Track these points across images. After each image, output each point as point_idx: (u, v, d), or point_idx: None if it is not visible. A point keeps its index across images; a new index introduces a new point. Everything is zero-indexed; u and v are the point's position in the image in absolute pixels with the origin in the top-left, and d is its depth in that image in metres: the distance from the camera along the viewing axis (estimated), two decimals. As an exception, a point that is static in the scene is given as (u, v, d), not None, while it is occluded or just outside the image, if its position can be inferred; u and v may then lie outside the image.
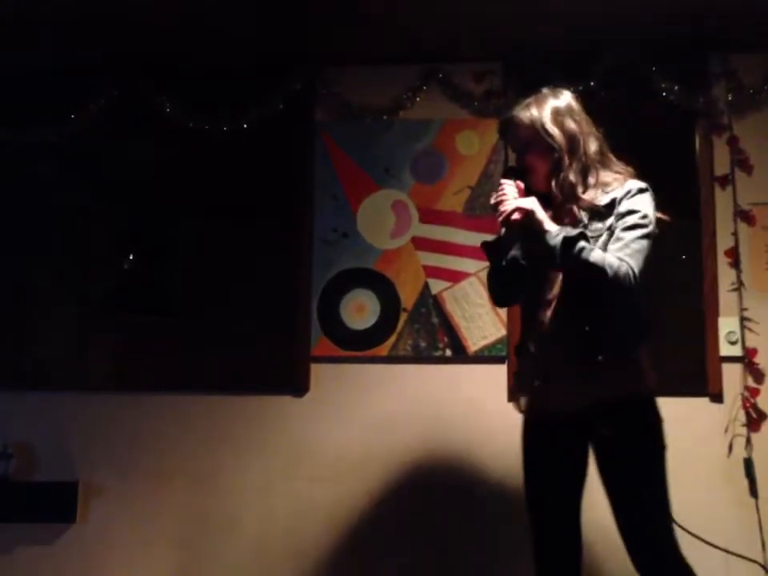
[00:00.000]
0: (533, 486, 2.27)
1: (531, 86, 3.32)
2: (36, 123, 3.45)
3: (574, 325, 2.12)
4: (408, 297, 3.29)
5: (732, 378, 3.09)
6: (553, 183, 2.19)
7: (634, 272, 2.04)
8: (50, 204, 3.61)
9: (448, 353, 3.24)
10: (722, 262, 3.17)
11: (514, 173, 2.24)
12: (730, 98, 3.24)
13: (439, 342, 3.25)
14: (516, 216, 2.12)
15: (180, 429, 3.31)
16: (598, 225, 2.14)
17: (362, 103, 3.42)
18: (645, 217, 2.10)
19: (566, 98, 2.26)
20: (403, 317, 3.28)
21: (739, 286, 3.13)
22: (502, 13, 3.03)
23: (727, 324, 3.12)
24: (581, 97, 2.31)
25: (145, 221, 3.65)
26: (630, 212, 2.11)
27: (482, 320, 3.23)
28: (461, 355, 3.23)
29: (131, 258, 3.66)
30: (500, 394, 3.18)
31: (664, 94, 3.20)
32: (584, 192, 2.17)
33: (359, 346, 3.28)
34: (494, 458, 3.14)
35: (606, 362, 2.08)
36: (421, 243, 3.32)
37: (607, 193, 2.16)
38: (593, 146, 2.21)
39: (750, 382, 3.07)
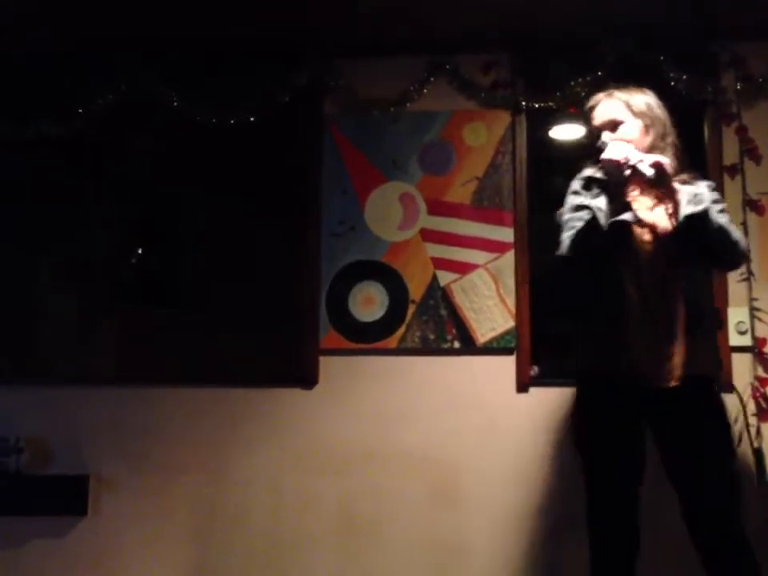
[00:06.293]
0: (603, 458, 2.32)
1: (539, 77, 3.35)
2: (42, 117, 3.44)
3: (667, 300, 2.20)
4: (416, 289, 3.28)
5: (742, 368, 3.08)
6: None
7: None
8: (55, 199, 3.61)
9: (456, 345, 3.24)
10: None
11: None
12: (738, 87, 3.22)
13: (447, 333, 3.25)
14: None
15: (189, 422, 3.31)
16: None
17: (369, 95, 3.40)
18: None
19: (652, 95, 2.44)
20: (411, 309, 3.27)
21: (749, 276, 3.12)
22: (510, 3, 3.02)
23: (737, 314, 3.10)
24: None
25: (151, 215, 3.66)
26: (717, 201, 2.30)
27: (490, 311, 3.23)
28: (469, 347, 3.23)
29: (139, 252, 3.67)
30: (509, 386, 3.19)
31: (672, 83, 3.17)
32: (676, 176, 2.27)
33: (368, 338, 3.28)
34: (502, 450, 3.15)
35: (695, 339, 2.18)
36: (429, 235, 3.32)
37: (690, 183, 2.29)
38: (677, 140, 2.37)
39: (760, 372, 3.06)
